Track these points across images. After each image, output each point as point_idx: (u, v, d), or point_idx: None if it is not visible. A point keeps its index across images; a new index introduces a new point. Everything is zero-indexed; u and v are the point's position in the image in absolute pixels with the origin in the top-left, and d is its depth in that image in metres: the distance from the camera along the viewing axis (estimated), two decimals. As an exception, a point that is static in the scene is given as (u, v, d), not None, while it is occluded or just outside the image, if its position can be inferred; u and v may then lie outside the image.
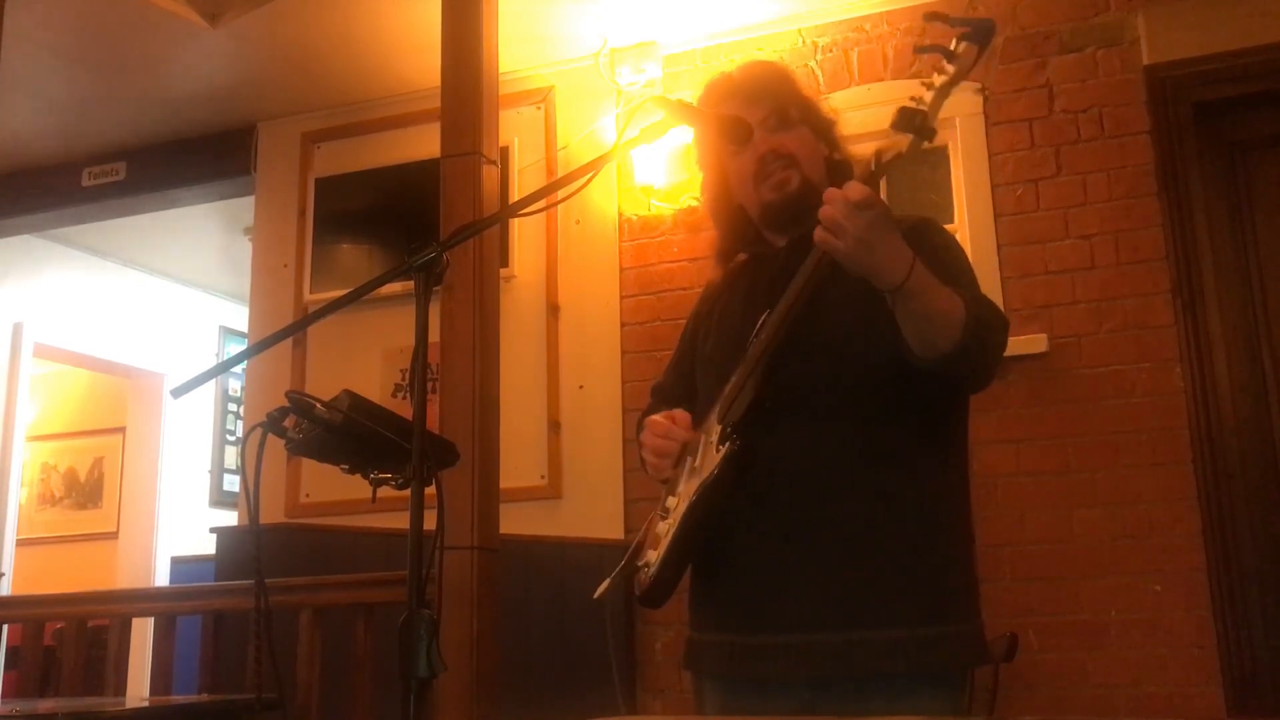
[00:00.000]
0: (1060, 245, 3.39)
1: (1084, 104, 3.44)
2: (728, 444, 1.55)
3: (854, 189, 1.38)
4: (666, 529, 1.62)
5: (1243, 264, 3.32)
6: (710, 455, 1.58)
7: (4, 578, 5.37)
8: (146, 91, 4.31)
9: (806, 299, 1.51)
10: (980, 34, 1.38)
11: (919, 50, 1.44)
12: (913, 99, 1.41)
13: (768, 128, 1.72)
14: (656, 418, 1.71)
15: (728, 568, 1.64)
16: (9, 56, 3.43)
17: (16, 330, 5.65)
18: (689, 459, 1.66)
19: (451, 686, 2.29)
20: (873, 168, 1.42)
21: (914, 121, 1.39)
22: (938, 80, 1.40)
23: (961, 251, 1.70)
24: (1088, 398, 3.28)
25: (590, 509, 3.75)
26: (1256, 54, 3.29)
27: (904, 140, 1.41)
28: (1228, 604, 3.05)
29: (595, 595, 1.69)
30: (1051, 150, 3.45)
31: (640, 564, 1.65)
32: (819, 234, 1.42)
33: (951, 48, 1.40)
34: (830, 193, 1.40)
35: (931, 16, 1.44)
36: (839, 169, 1.79)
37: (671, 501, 1.65)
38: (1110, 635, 3.14)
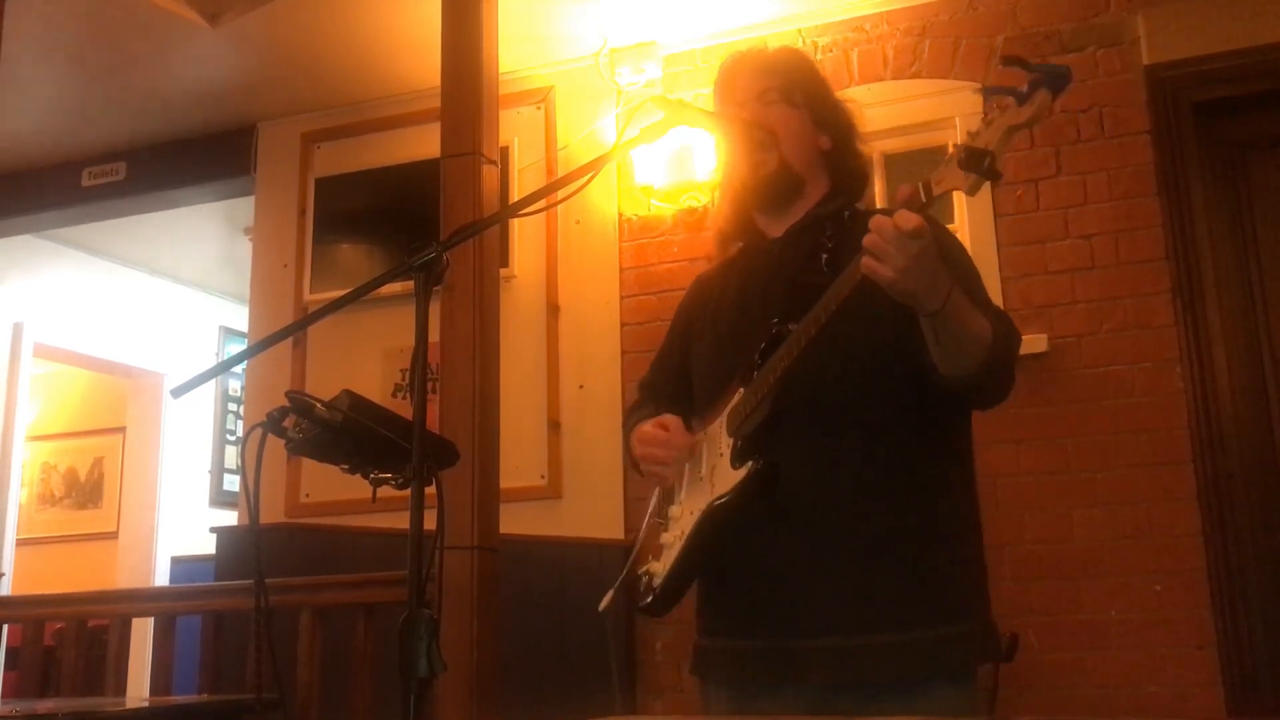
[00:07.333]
0: (1060, 245, 3.39)
1: (1084, 104, 3.43)
2: (750, 464, 1.53)
3: (905, 218, 1.36)
4: (672, 540, 1.61)
5: (1243, 264, 3.32)
6: (723, 469, 1.56)
7: (4, 578, 5.37)
8: (146, 91, 4.31)
9: (834, 322, 1.49)
10: (1055, 81, 1.34)
11: (989, 91, 1.39)
12: (970, 134, 1.38)
13: (765, 100, 1.71)
14: (646, 428, 1.69)
15: (739, 574, 1.63)
16: (9, 56, 3.43)
17: (16, 330, 5.65)
18: (689, 467, 1.65)
19: (451, 686, 2.30)
20: (923, 198, 1.39)
21: (981, 163, 1.35)
22: (1002, 120, 1.35)
23: (964, 250, 1.69)
24: (1088, 398, 3.28)
25: (590, 509, 3.75)
26: (1256, 54, 3.28)
27: (964, 179, 1.36)
28: (1228, 604, 3.05)
29: (600, 608, 1.68)
30: (1051, 150, 3.45)
31: (641, 572, 1.64)
32: (866, 263, 1.40)
33: (1024, 91, 1.35)
34: (878, 220, 1.38)
35: (1010, 60, 1.39)
36: (842, 166, 1.77)
37: (675, 510, 1.63)
38: (1110, 635, 3.14)
